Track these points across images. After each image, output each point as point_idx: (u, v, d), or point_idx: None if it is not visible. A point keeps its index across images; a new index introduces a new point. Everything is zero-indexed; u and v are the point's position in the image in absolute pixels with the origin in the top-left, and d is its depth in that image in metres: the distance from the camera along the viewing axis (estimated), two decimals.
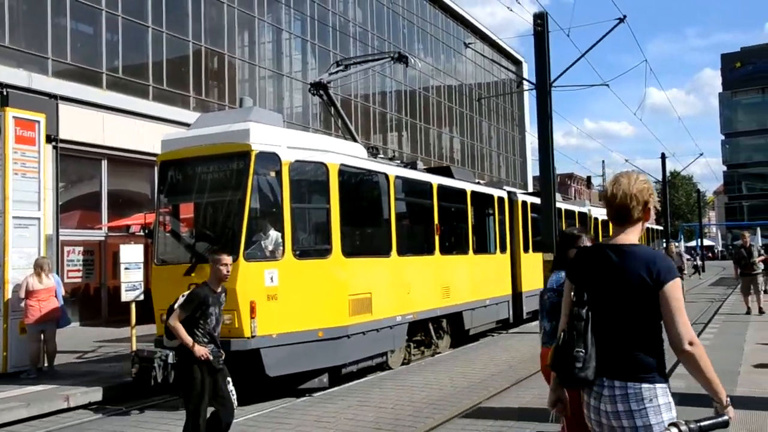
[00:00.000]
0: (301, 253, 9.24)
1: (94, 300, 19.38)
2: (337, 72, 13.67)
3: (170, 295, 8.99)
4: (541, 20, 15.54)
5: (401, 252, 11.32)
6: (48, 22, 19.41)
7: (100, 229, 19.69)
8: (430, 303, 12.26)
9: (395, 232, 11.19)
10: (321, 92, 12.26)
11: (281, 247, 8.91)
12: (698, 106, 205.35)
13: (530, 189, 43.78)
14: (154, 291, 9.54)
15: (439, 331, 12.96)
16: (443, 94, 43.01)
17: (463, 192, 14.18)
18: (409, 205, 12.72)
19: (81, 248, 19.11)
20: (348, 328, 9.56)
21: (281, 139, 9.18)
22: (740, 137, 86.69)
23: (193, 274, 8.47)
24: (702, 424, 2.15)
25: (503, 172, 51.17)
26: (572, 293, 3.01)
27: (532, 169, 53.85)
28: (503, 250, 16.21)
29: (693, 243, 67.40)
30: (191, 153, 9.25)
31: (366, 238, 11.39)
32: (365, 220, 11.44)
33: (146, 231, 14.43)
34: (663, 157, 38.40)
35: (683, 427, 2.11)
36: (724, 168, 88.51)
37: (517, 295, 16.67)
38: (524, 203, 17.76)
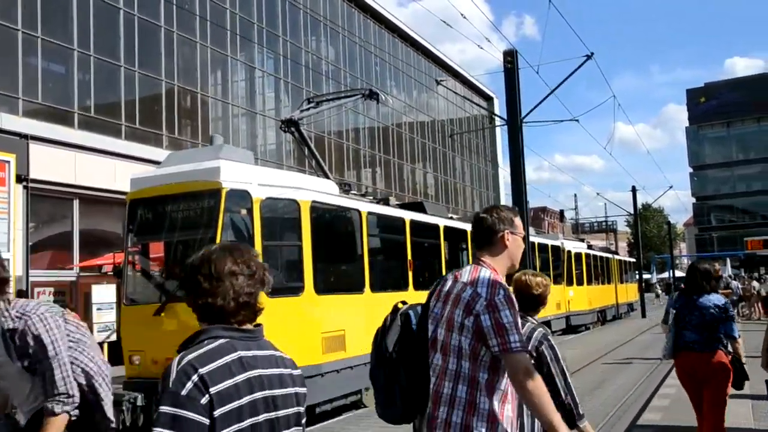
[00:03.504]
0: (273, 290, 8.91)
1: None
2: (308, 109, 13.70)
3: (140, 335, 8.82)
4: (511, 57, 15.82)
5: (375, 288, 11.18)
6: (19, 62, 19.31)
7: (72, 269, 19.38)
8: None
9: (368, 268, 11.07)
10: (292, 129, 12.25)
11: None
12: (665, 140, 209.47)
13: None
14: (124, 331, 9.35)
15: None
16: (416, 130, 43.36)
17: (436, 227, 14.13)
18: (382, 240, 12.63)
19: (52, 289, 18.74)
20: (321, 366, 9.38)
21: (252, 177, 9.09)
22: (708, 170, 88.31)
23: (162, 314, 8.24)
24: None
25: (477, 206, 51.42)
26: None
27: (506, 202, 54.30)
28: None
29: (665, 274, 68.09)
30: (161, 191, 9.12)
31: (339, 275, 11.24)
32: (338, 257, 11.31)
33: (116, 271, 14.26)
34: (634, 190, 38.95)
35: None
36: (694, 200, 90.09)
37: None
38: None
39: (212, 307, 2.07)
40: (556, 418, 2.75)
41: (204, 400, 1.83)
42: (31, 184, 17.82)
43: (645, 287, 41.25)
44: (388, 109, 39.96)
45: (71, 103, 20.74)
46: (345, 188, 12.05)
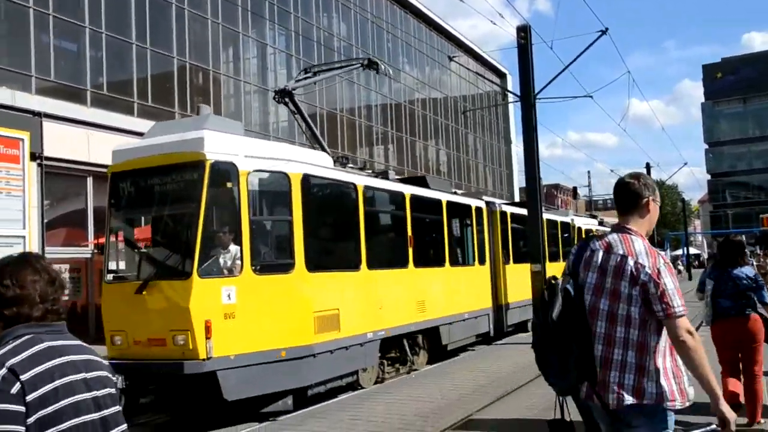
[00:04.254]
0: (261, 268, 8.67)
1: (81, 318, 19.11)
2: (304, 79, 13.13)
3: (121, 314, 8.34)
4: (524, 33, 15.62)
5: (372, 265, 10.66)
6: (31, 40, 19.28)
7: (87, 246, 19.52)
8: (405, 318, 11.62)
9: (365, 245, 10.54)
10: (286, 100, 11.67)
11: (239, 263, 8.33)
12: (679, 117, 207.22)
13: (517, 200, 44.00)
14: (105, 310, 8.95)
15: (414, 347, 12.31)
16: (429, 107, 43.08)
17: (438, 202, 13.48)
18: (380, 216, 12.13)
19: (67, 266, 18.86)
20: (313, 347, 8.95)
21: (239, 148, 8.60)
22: (723, 146, 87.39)
23: (144, 293, 7.88)
24: None
25: (489, 183, 51.21)
26: None
27: (519, 180, 54.07)
28: (482, 261, 15.49)
29: (679, 251, 67.78)
30: (143, 164, 8.64)
31: (333, 252, 10.77)
32: (332, 233, 10.88)
33: (99, 248, 13.92)
34: (648, 166, 38.63)
35: None
36: (708, 177, 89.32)
37: (498, 307, 16.06)
38: (504, 213, 17.11)
39: (20, 317, 2.09)
40: (713, 378, 3.05)
41: (14, 389, 1.88)
42: (45, 162, 17.85)
43: None
44: (401, 85, 39.71)
45: (84, 81, 20.71)
46: (342, 161, 11.56)
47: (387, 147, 38.79)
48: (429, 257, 13.43)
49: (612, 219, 52.02)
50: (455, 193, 15.81)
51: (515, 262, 17.16)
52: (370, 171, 12.74)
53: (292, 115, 12.72)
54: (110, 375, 2.19)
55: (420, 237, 12.82)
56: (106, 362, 2.22)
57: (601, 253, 3.26)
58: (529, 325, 17.52)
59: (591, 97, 20.16)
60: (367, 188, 10.89)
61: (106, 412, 2.09)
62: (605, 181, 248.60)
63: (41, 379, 1.93)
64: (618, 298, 3.16)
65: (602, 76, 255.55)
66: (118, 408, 2.15)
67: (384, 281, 11.14)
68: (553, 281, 3.47)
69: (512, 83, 50.70)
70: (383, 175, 12.66)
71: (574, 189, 56.25)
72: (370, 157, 36.22)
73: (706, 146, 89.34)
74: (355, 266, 10.43)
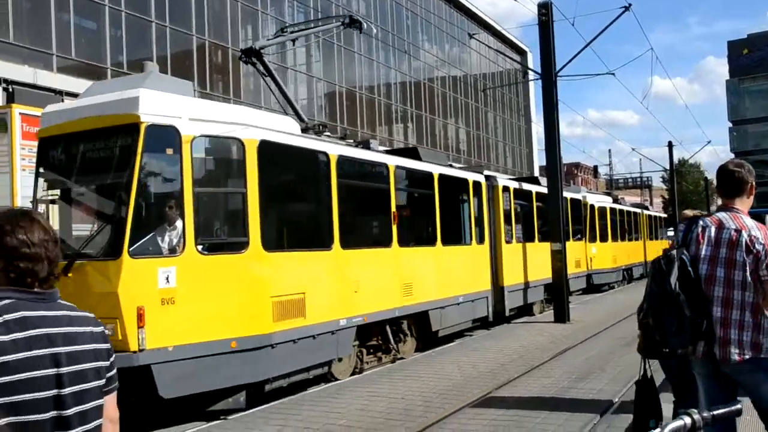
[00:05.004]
0: (207, 247, 7.50)
1: None
2: (276, 38, 11.90)
3: None
4: (545, 10, 15.35)
5: (347, 245, 9.31)
6: (52, 19, 19.39)
7: None
8: (387, 302, 10.24)
9: (338, 222, 9.15)
10: (253, 59, 10.57)
11: (182, 241, 7.18)
12: (702, 95, 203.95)
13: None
14: None
15: (399, 334, 11.00)
16: (448, 85, 42.63)
17: (428, 176, 12.04)
18: (358, 190, 10.53)
19: None
20: (272, 336, 7.72)
21: (182, 110, 7.37)
22: (748, 124, 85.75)
23: (70, 274, 6.80)
24: (715, 412, 2.14)
25: (509, 162, 50.74)
26: None
27: (539, 158, 53.69)
28: (481, 240, 13.99)
29: None
30: (72, 128, 7.50)
31: (298, 229, 9.50)
32: (297, 208, 9.63)
33: None
34: (670, 145, 38.04)
35: (696, 416, 2.10)
36: (732, 156, 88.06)
37: (498, 290, 14.54)
38: (506, 189, 15.56)
39: (30, 274, 2.02)
40: None
41: None
42: None
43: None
44: (420, 63, 39.33)
45: (104, 59, 20.76)
46: (318, 129, 10.15)
47: (406, 125, 38.54)
48: (417, 236, 12.07)
49: (631, 198, 51.53)
50: (451, 165, 14.10)
51: (519, 241, 15.92)
52: (351, 141, 11.23)
53: (262, 78, 11.39)
54: (101, 345, 2.11)
55: (407, 213, 11.52)
56: (98, 329, 2.14)
57: (713, 229, 3.73)
58: (536, 308, 16.78)
59: (613, 74, 19.79)
60: (341, 158, 9.43)
61: (74, 388, 2.00)
62: (626, 159, 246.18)
63: (3, 349, 1.87)
64: (733, 266, 3.62)
65: (624, 53, 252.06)
66: (94, 384, 2.07)
67: (362, 262, 9.76)
68: (668, 253, 3.91)
69: (533, 61, 50.05)
70: (364, 144, 11.12)
71: (595, 168, 55.74)
72: (390, 136, 36.06)
73: (730, 124, 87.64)
74: (325, 245, 9.06)
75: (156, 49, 22.44)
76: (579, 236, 21.77)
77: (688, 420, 2.05)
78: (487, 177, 15.07)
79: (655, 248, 33.52)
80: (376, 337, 10.49)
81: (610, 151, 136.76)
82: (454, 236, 13.16)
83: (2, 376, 1.86)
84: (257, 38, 27.77)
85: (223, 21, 25.15)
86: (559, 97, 15.59)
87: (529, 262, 16.00)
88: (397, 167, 11.04)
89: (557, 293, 14.96)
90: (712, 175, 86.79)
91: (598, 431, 6.27)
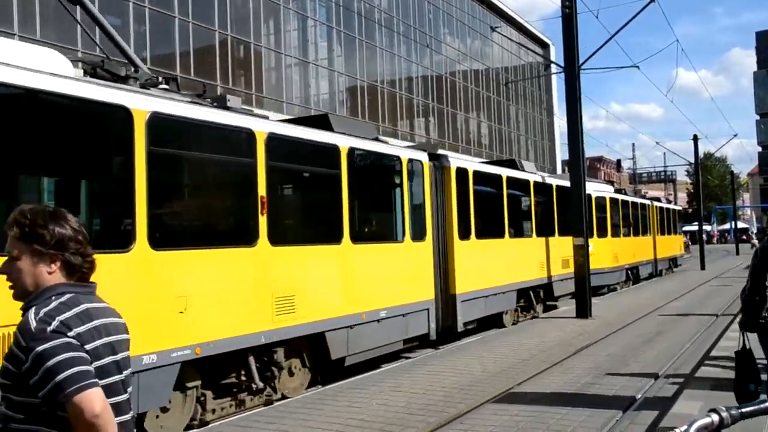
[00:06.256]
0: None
1: None
2: None
3: None
4: (569, 2, 15.21)
5: (162, 243, 6.39)
6: (77, 15, 19.54)
7: None
8: (245, 325, 7.28)
9: (146, 210, 6.22)
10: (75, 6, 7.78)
11: None
12: (727, 87, 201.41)
13: (559, 172, 43.43)
14: None
15: (271, 368, 7.91)
16: (470, 79, 42.46)
17: (332, 150, 8.90)
18: (198, 164, 7.52)
19: None
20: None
21: None
22: None
23: None
24: (744, 410, 2.11)
25: (531, 155, 50.42)
26: None
27: (561, 152, 53.35)
28: (419, 236, 10.76)
29: (727, 225, 66.26)
30: None
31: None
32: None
33: None
34: (695, 138, 37.59)
35: (724, 414, 2.07)
36: (759, 149, 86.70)
37: (447, 299, 11.54)
38: (462, 172, 12.32)
39: (78, 268, 2.12)
40: None
41: (73, 340, 1.95)
42: None
43: (706, 239, 40.35)
44: (442, 57, 39.18)
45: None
46: (154, 82, 7.31)
47: (428, 119, 38.47)
48: (309, 230, 9.11)
49: (655, 192, 51.03)
50: (385, 142, 10.95)
51: (480, 237, 12.62)
52: (209, 99, 7.90)
53: (82, 25, 8.91)
54: (128, 336, 2.23)
55: (287, 200, 8.97)
56: (123, 321, 2.25)
57: None
58: (506, 318, 13.87)
59: (637, 67, 19.60)
60: (154, 117, 6.38)
61: (126, 373, 2.14)
62: (650, 153, 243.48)
63: (91, 335, 2.00)
64: None
65: (647, 46, 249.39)
66: (130, 370, 2.20)
67: (193, 269, 6.76)
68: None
69: (555, 54, 49.73)
70: (219, 101, 7.90)
71: (618, 162, 55.26)
72: (411, 130, 36.02)
73: (758, 117, 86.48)
74: (121, 246, 6.13)
75: (179, 45, 22.59)
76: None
77: (715, 417, 2.03)
78: (435, 156, 11.97)
79: (668, 245, 29.90)
80: (233, 374, 7.59)
81: (633, 144, 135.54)
82: (373, 230, 10.32)
83: (94, 361, 1.98)
84: (279, 32, 27.88)
85: (246, 16, 25.27)
86: (581, 90, 15.45)
87: (496, 263, 13.14)
88: (272, 136, 7.75)
89: (580, 289, 14.88)
90: (738, 169, 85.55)
91: (621, 428, 6.19)
